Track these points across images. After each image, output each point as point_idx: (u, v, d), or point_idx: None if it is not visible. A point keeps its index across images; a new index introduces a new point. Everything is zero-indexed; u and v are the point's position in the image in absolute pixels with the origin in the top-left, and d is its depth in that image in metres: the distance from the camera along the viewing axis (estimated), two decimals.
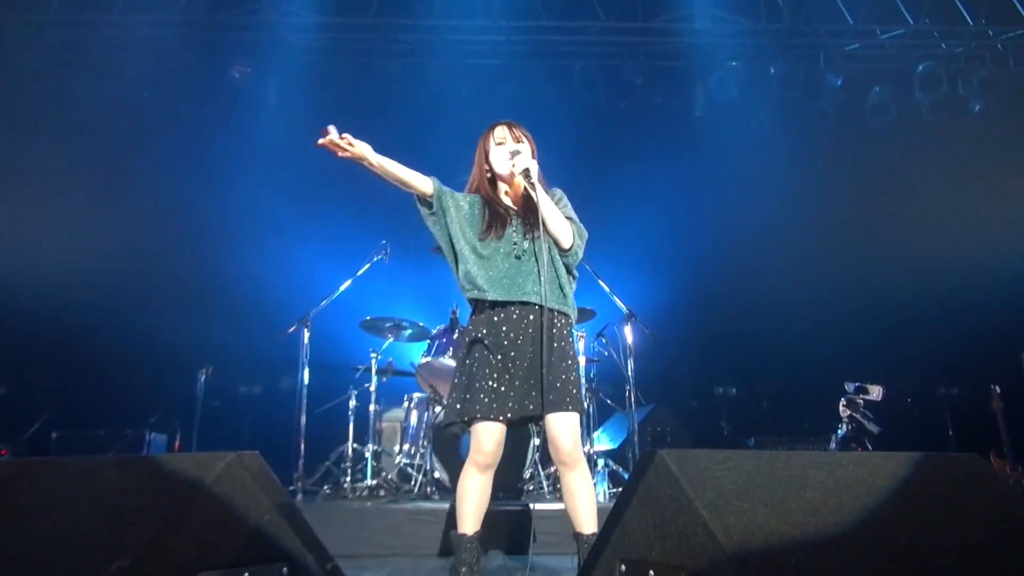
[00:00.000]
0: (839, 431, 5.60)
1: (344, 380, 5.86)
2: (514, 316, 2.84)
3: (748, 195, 7.87)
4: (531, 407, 2.78)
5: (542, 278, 2.80)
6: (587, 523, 2.79)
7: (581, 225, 2.98)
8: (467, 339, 2.96)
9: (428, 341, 5.83)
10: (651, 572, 1.61)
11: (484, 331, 2.87)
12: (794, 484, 1.67)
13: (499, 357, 2.81)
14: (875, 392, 5.54)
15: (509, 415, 2.76)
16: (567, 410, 2.76)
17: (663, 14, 7.98)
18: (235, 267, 7.46)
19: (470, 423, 2.81)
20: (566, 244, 2.90)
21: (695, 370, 8.15)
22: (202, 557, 1.46)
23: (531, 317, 2.83)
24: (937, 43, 8.10)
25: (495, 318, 2.85)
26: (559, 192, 3.05)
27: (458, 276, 2.94)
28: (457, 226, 2.94)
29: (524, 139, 3.01)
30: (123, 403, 6.77)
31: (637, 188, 7.82)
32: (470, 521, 2.82)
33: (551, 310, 2.85)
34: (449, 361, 5.59)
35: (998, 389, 5.76)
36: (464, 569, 2.77)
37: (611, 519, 1.82)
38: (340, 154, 2.86)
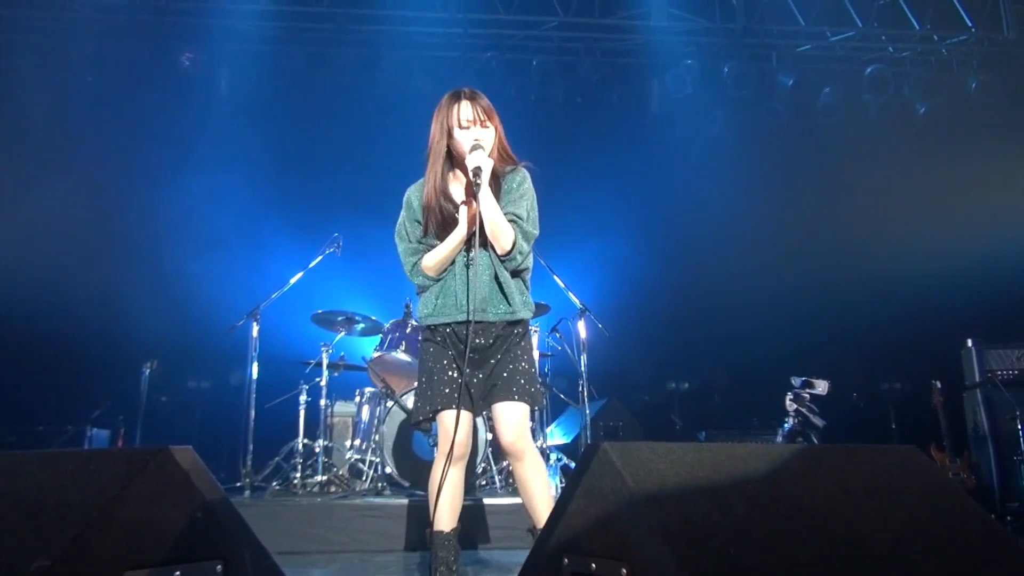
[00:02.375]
0: (785, 424, 5.71)
1: (295, 375, 5.76)
2: (456, 328, 2.77)
3: (701, 192, 7.97)
4: (482, 400, 2.76)
5: (477, 293, 2.72)
6: (542, 516, 2.68)
7: (528, 225, 2.78)
8: (422, 335, 2.90)
9: (381, 335, 5.78)
10: (593, 565, 1.60)
11: (436, 333, 2.83)
12: (735, 476, 1.68)
13: (452, 354, 2.77)
14: (821, 387, 5.65)
15: (469, 406, 2.72)
16: (512, 399, 2.69)
17: (620, 11, 8.02)
18: (182, 259, 7.28)
19: (435, 416, 2.74)
20: (500, 249, 2.71)
21: (648, 365, 8.23)
22: (129, 556, 1.41)
23: (481, 331, 2.75)
24: (885, 46, 8.30)
25: (445, 328, 2.81)
26: (519, 177, 2.85)
27: (419, 309, 2.89)
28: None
29: (489, 123, 2.76)
30: (64, 398, 6.56)
31: (592, 184, 7.86)
32: (446, 517, 2.74)
33: (494, 324, 2.76)
34: (402, 355, 5.55)
35: (939, 384, 5.93)
36: (443, 568, 2.69)
37: (555, 512, 1.81)
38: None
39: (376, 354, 5.63)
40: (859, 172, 8.18)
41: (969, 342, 5.96)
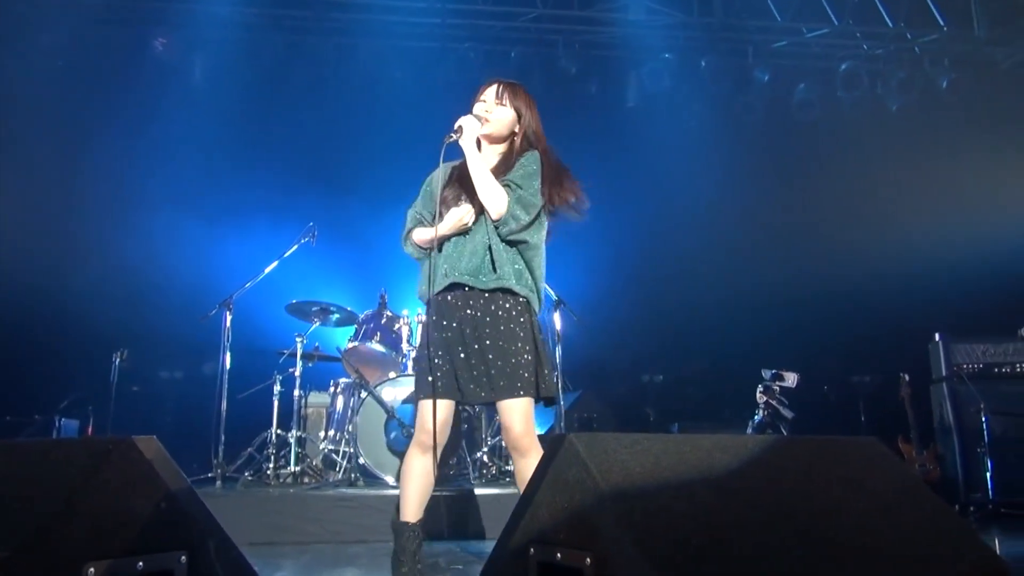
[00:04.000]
0: (756, 417, 5.78)
1: (268, 365, 5.73)
2: (450, 299, 2.75)
3: (677, 186, 8.02)
4: (482, 393, 2.69)
5: (468, 258, 2.73)
6: None
7: (526, 193, 2.73)
8: (425, 315, 2.91)
9: (356, 326, 5.77)
10: (558, 555, 1.62)
11: (432, 314, 2.80)
12: (700, 467, 1.70)
13: (447, 335, 2.73)
14: (791, 379, 5.73)
15: (452, 396, 2.69)
16: (518, 395, 2.65)
17: (598, 4, 8.03)
18: (154, 246, 7.19)
19: (424, 399, 2.71)
20: (494, 214, 2.69)
21: (622, 357, 8.28)
22: (91, 547, 1.40)
23: (464, 300, 2.73)
24: (859, 44, 8.39)
25: (441, 301, 2.78)
26: (530, 156, 2.83)
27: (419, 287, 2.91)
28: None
29: (508, 104, 2.82)
30: (32, 387, 6.45)
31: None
32: (412, 507, 2.72)
33: (488, 291, 2.73)
34: (377, 346, 5.54)
35: (907, 377, 6.03)
36: (405, 558, 2.69)
37: (522, 502, 1.83)
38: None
39: (351, 345, 5.61)
40: (832, 167, 8.28)
41: (936, 336, 6.06)
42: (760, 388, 5.75)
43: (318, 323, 5.87)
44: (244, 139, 7.68)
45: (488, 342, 2.69)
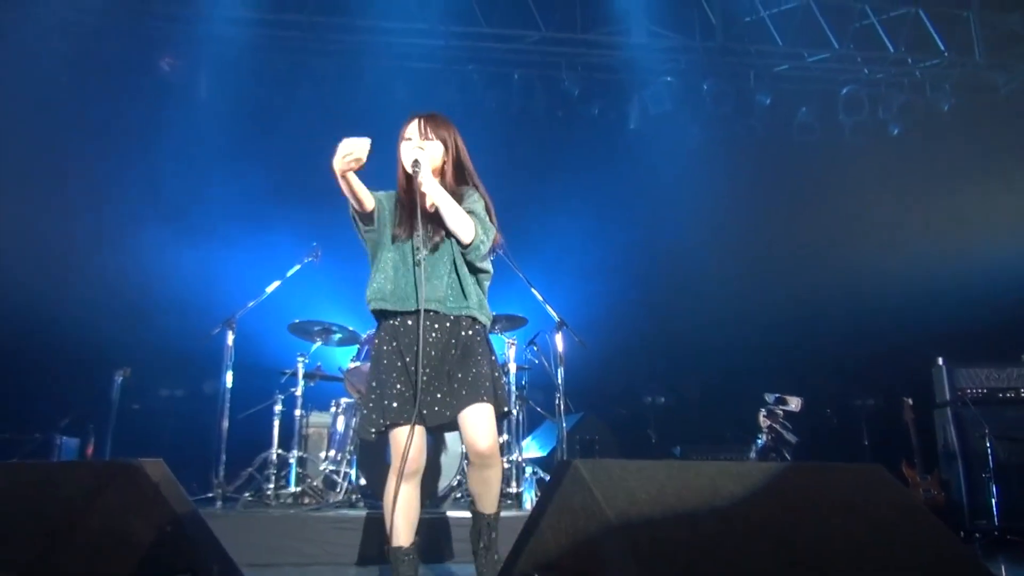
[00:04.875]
0: (759, 441, 5.75)
1: (270, 384, 5.71)
2: (410, 325, 2.76)
3: (679, 208, 8.04)
4: (447, 412, 2.71)
5: (433, 285, 2.77)
6: (489, 504, 2.79)
7: (486, 220, 2.86)
8: (375, 345, 2.90)
9: (358, 346, 5.75)
10: None
11: (387, 338, 2.82)
12: (704, 493, 1.70)
13: (407, 361, 2.74)
14: (794, 403, 5.71)
15: (420, 420, 2.69)
16: (480, 401, 2.68)
17: (601, 27, 8.09)
18: (157, 264, 7.19)
19: (386, 430, 2.74)
20: (465, 239, 2.77)
21: (625, 379, 8.25)
22: (96, 569, 1.39)
23: (429, 324, 2.75)
24: (860, 68, 8.45)
25: (399, 328, 2.80)
26: (473, 192, 2.93)
27: (368, 290, 2.86)
28: (385, 233, 2.89)
29: (434, 136, 2.89)
30: (32, 405, 6.43)
31: (571, 198, 7.90)
32: (403, 532, 2.72)
33: (452, 316, 2.79)
34: None
35: (910, 401, 6.01)
36: None
37: (527, 527, 1.82)
38: (348, 162, 2.69)
39: (352, 365, 5.59)
40: (834, 191, 8.31)
41: (940, 360, 6.05)
42: (763, 412, 5.73)
43: (320, 343, 5.86)
44: (248, 158, 7.71)
45: (450, 364, 2.76)
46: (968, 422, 5.69)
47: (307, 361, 5.59)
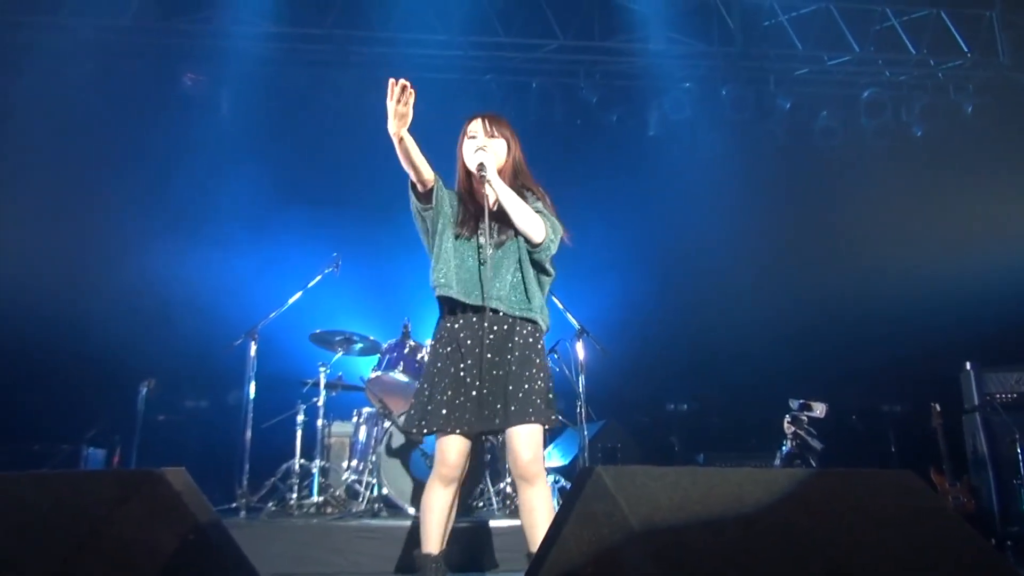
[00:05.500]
0: (784, 447, 5.67)
1: (292, 394, 5.74)
2: (473, 322, 2.76)
3: (700, 214, 7.99)
4: (495, 420, 2.68)
5: (498, 285, 2.74)
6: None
7: (555, 220, 2.86)
8: (432, 344, 2.88)
9: (379, 355, 5.77)
10: None
11: (446, 337, 2.81)
12: (729, 500, 1.67)
13: (461, 367, 2.73)
14: (819, 409, 5.62)
15: (467, 427, 2.68)
16: (528, 422, 2.65)
17: (619, 34, 8.09)
18: (181, 278, 7.28)
19: (430, 434, 2.73)
20: (536, 239, 2.77)
21: (647, 386, 8.19)
22: None
23: (488, 325, 2.73)
24: (881, 71, 8.38)
25: (457, 324, 2.78)
26: (540, 191, 2.94)
27: (432, 276, 2.84)
28: (442, 221, 2.87)
29: (499, 135, 2.89)
30: (60, 416, 6.51)
31: (591, 205, 7.87)
32: (434, 539, 2.72)
33: (513, 317, 2.77)
34: (400, 376, 5.53)
35: (938, 407, 5.90)
36: None
37: (549, 535, 1.81)
38: (396, 107, 2.70)
39: (374, 374, 5.61)
40: (857, 195, 8.21)
41: (968, 365, 5.94)
42: (788, 418, 5.65)
43: (341, 353, 5.89)
44: (269, 170, 7.79)
45: (506, 369, 2.71)
46: (998, 427, 5.59)
47: (328, 371, 5.61)
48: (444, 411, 2.67)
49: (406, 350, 5.62)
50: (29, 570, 1.31)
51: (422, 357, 5.61)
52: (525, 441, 2.66)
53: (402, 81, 2.65)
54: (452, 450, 2.67)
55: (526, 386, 2.69)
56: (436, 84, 8.07)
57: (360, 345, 5.87)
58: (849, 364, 7.53)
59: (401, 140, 2.72)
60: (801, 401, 5.70)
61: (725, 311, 7.94)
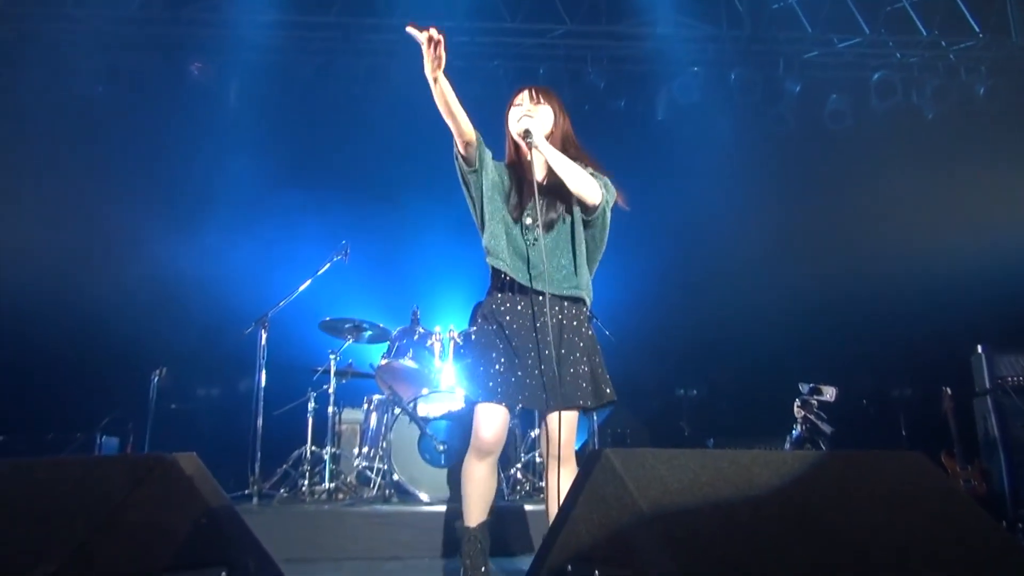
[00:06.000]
0: (793, 432, 5.68)
1: (303, 382, 5.77)
2: (518, 301, 2.74)
3: (708, 198, 7.95)
4: (544, 399, 2.65)
5: (554, 263, 2.70)
6: None
7: (607, 180, 2.79)
8: (480, 314, 2.85)
9: (388, 342, 5.79)
10: (596, 572, 1.60)
11: (494, 308, 2.78)
12: (739, 483, 1.67)
13: (511, 344, 2.70)
14: (829, 393, 5.62)
15: (514, 403, 2.66)
16: (573, 407, 2.68)
17: (626, 19, 8.03)
18: (191, 266, 7.31)
19: (476, 403, 2.69)
20: (592, 199, 2.69)
21: (656, 371, 8.19)
22: (133, 562, 1.42)
23: (537, 306, 2.69)
24: (892, 53, 8.28)
25: (506, 304, 2.76)
26: (591, 160, 2.87)
27: (484, 240, 2.79)
28: (489, 187, 2.80)
29: (545, 102, 2.82)
30: (74, 405, 6.57)
31: None
32: (474, 512, 2.73)
33: (561, 297, 2.73)
34: (409, 363, 5.55)
35: (949, 390, 5.88)
36: (468, 562, 2.70)
37: (559, 519, 1.82)
38: (429, 54, 2.59)
39: (384, 361, 5.64)
40: (868, 178, 8.15)
41: (979, 348, 5.91)
42: (798, 402, 5.66)
43: (351, 340, 5.91)
44: (276, 159, 7.81)
45: (555, 351, 2.67)
46: (1009, 411, 5.57)
47: (339, 358, 5.63)
48: (490, 383, 2.65)
49: (415, 337, 5.64)
50: (45, 554, 1.33)
51: (431, 344, 5.63)
52: (565, 424, 2.66)
53: (428, 33, 2.54)
54: (489, 422, 2.64)
55: (571, 369, 2.68)
56: (443, 71, 8.04)
57: (370, 332, 5.89)
58: (859, 348, 7.50)
59: (436, 81, 2.63)
60: (811, 385, 5.70)
61: (734, 295, 7.91)
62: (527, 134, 2.67)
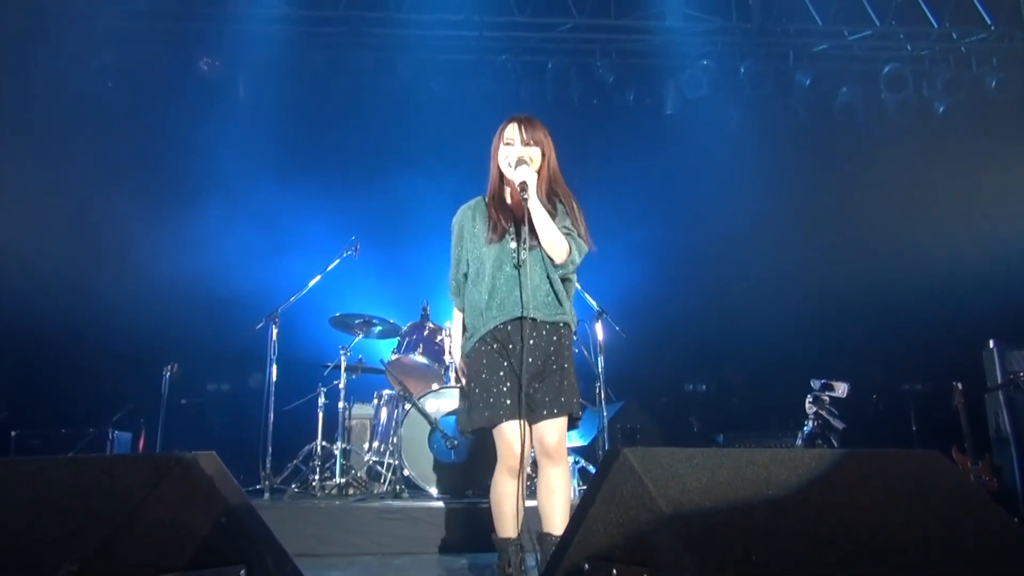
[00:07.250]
0: (805, 428, 5.66)
1: (313, 377, 5.79)
2: (510, 329, 2.88)
3: (718, 192, 7.92)
4: (543, 412, 2.84)
5: (531, 292, 2.86)
6: (558, 525, 2.82)
7: (580, 240, 2.96)
8: (471, 349, 2.98)
9: (398, 338, 5.80)
10: (614, 571, 1.60)
11: (489, 338, 2.92)
12: (757, 481, 1.67)
13: (508, 364, 2.87)
14: (840, 389, 5.61)
15: (524, 418, 2.81)
16: (562, 415, 2.85)
17: (635, 12, 8.00)
18: (202, 262, 7.34)
19: (494, 426, 2.84)
20: (558, 260, 2.90)
21: (665, 367, 8.18)
22: (154, 560, 1.43)
23: (526, 330, 2.84)
24: (903, 45, 8.22)
25: (498, 333, 2.90)
26: (572, 202, 3.03)
27: (467, 296, 3.03)
28: (479, 241, 2.99)
29: (533, 142, 2.95)
30: (86, 400, 6.62)
31: (608, 185, 7.83)
32: (510, 524, 2.90)
33: (547, 323, 2.91)
34: (420, 358, 5.56)
35: (960, 386, 5.85)
36: (511, 570, 2.87)
37: (576, 517, 1.82)
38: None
39: (394, 357, 5.65)
40: (878, 171, 8.10)
41: (991, 343, 5.88)
42: (809, 398, 5.64)
43: (361, 335, 5.92)
44: (287, 154, 7.82)
45: (546, 368, 2.88)
46: (1021, 406, 5.54)
47: (349, 354, 5.65)
48: (507, 401, 2.81)
49: (425, 332, 5.64)
50: (68, 552, 1.34)
51: (441, 339, 5.63)
52: (554, 427, 2.84)
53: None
54: (515, 440, 2.79)
55: (560, 382, 2.88)
56: (452, 65, 8.04)
57: (380, 328, 5.90)
58: (870, 343, 7.48)
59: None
60: (823, 381, 5.68)
61: (744, 290, 7.89)
62: (524, 188, 2.82)
